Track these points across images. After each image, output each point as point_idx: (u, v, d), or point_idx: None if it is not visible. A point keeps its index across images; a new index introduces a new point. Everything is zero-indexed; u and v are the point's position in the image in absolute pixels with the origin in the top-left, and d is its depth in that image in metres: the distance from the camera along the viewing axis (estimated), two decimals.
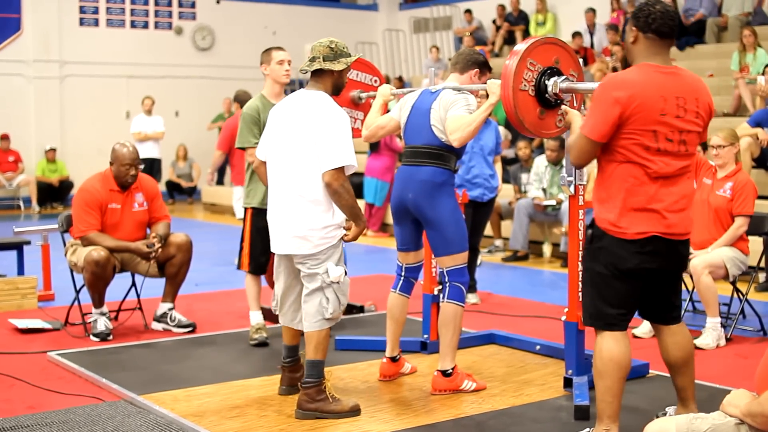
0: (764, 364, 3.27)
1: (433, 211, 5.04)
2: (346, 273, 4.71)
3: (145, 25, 18.53)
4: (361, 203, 12.39)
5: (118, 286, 6.81)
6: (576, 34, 15.28)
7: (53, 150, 16.74)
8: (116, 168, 6.52)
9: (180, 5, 18.88)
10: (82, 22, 17.78)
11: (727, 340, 6.26)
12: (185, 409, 4.78)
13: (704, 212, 6.46)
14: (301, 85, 18.80)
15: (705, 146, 7.16)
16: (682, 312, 6.50)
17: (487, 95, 4.95)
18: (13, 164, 16.36)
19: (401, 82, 17.57)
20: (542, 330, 6.57)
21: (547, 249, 10.45)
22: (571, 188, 4.93)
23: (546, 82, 4.61)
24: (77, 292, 6.67)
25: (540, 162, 10.25)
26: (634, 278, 3.95)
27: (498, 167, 8.00)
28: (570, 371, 5.02)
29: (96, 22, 17.95)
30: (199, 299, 7.90)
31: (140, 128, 15.53)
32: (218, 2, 19.21)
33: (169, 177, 17.72)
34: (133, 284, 6.86)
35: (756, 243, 7.01)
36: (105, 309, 6.51)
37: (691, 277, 6.33)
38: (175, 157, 17.85)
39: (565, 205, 9.69)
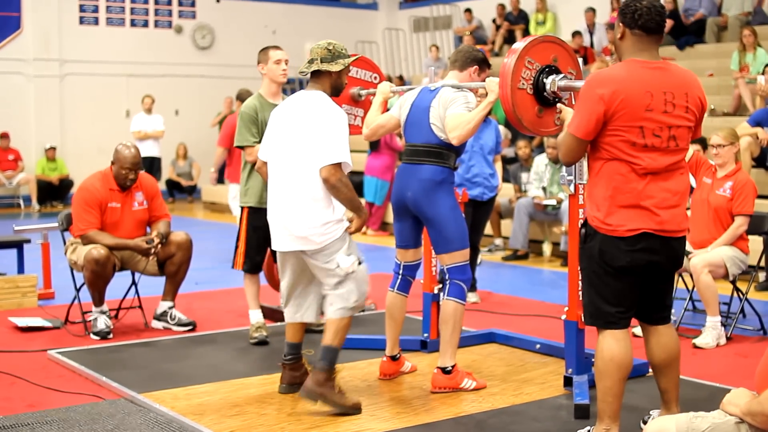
0: (764, 363, 3.27)
1: (432, 209, 5.04)
2: (360, 262, 4.75)
3: (145, 24, 18.52)
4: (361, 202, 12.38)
5: (118, 285, 6.81)
6: (576, 34, 15.28)
7: (53, 148, 16.74)
8: (116, 169, 6.52)
9: (180, 4, 18.88)
10: (82, 21, 17.77)
11: (727, 339, 6.27)
12: (185, 408, 4.78)
13: (704, 211, 6.47)
14: (301, 84, 18.84)
15: (705, 145, 7.16)
16: (682, 312, 6.56)
17: (486, 93, 4.96)
18: (13, 163, 16.35)
19: (402, 81, 17.56)
20: (542, 329, 6.57)
21: (547, 248, 10.45)
22: (571, 187, 4.93)
23: (544, 80, 4.62)
24: (77, 290, 6.67)
25: (540, 161, 10.26)
26: (629, 275, 3.93)
27: (498, 166, 8.00)
28: (570, 370, 5.02)
29: (96, 21, 17.94)
30: (199, 298, 7.91)
31: (140, 127, 15.52)
32: (218, 1, 19.20)
33: (169, 176, 17.71)
34: (133, 283, 6.86)
35: (756, 242, 7.01)
36: (105, 307, 6.51)
37: (691, 276, 6.33)
38: (175, 155, 17.85)
39: (565, 204, 9.69)
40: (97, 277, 6.32)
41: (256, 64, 6.31)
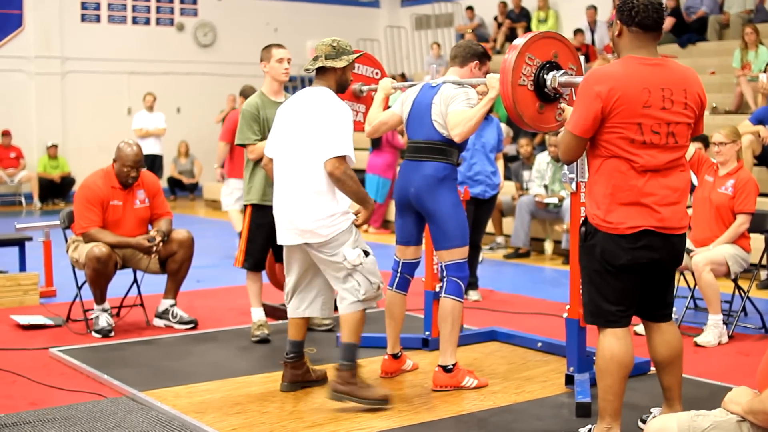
0: (766, 361, 3.27)
1: (434, 205, 5.04)
2: (367, 254, 4.76)
3: (147, 22, 18.51)
4: None
5: (119, 283, 6.81)
6: (577, 31, 15.27)
7: (55, 146, 16.75)
8: (118, 167, 6.52)
9: (182, 2, 18.87)
10: (83, 18, 17.77)
11: (729, 337, 6.26)
12: (187, 406, 4.78)
13: (706, 210, 6.46)
14: (303, 81, 18.87)
15: (707, 143, 7.16)
16: (683, 310, 6.56)
17: (488, 90, 4.97)
18: (15, 160, 16.36)
19: (404, 79, 17.52)
20: (544, 327, 6.57)
21: (548, 246, 10.45)
22: (573, 185, 4.93)
23: (545, 76, 4.62)
24: (79, 288, 6.67)
25: (542, 159, 10.26)
26: (630, 273, 3.93)
27: (500, 164, 8.00)
28: (571, 368, 5.02)
29: (97, 19, 17.93)
30: (201, 296, 7.91)
31: (142, 125, 15.52)
32: None
33: (171, 173, 17.71)
34: (135, 281, 6.86)
35: (758, 240, 7.01)
36: (107, 305, 6.51)
37: (693, 274, 6.32)
38: (176, 153, 17.85)
39: (566, 202, 9.69)
40: (99, 275, 6.32)
41: (259, 62, 6.32)
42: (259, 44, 6.78)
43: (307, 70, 4.93)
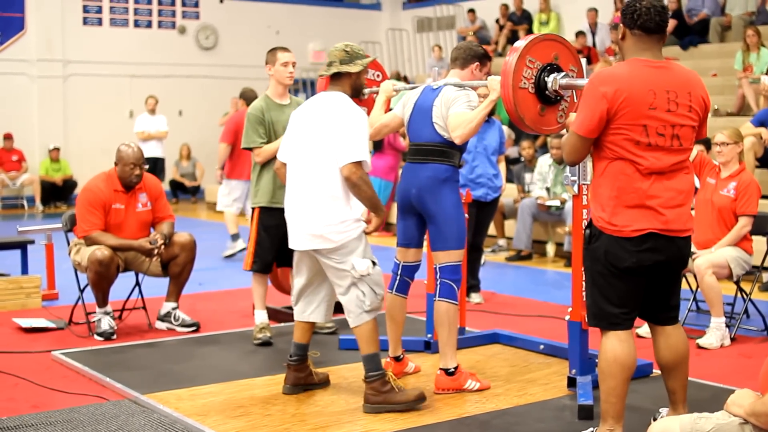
0: None
1: (436, 205, 5.05)
2: (375, 264, 4.76)
3: (149, 25, 18.54)
4: None
5: (121, 286, 6.81)
6: (579, 34, 15.28)
7: (57, 149, 16.76)
8: (121, 168, 6.53)
9: (183, 4, 18.89)
10: (85, 22, 17.79)
11: (731, 339, 6.26)
12: (189, 409, 4.78)
13: (708, 212, 6.46)
14: (305, 84, 18.86)
15: (709, 146, 7.15)
16: (686, 313, 6.55)
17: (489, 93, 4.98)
18: (17, 163, 16.37)
19: (405, 81, 17.56)
20: (546, 329, 6.57)
21: (550, 248, 10.44)
22: (575, 187, 4.93)
23: (546, 78, 4.62)
24: (81, 291, 6.67)
25: (544, 161, 10.25)
26: (634, 276, 3.93)
27: (502, 167, 8.00)
28: (574, 371, 5.01)
29: (99, 22, 17.96)
30: (203, 298, 7.91)
31: (144, 127, 15.54)
32: (221, 1, 19.22)
33: (173, 176, 17.73)
34: (137, 283, 6.87)
35: (760, 243, 7.01)
36: (109, 308, 6.52)
37: (695, 276, 6.32)
38: (178, 156, 17.86)
39: (568, 205, 9.70)
40: (101, 278, 6.32)
41: (264, 65, 6.34)
42: (260, 47, 6.80)
43: (322, 76, 4.93)
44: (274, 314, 6.84)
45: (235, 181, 10.34)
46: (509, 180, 10.60)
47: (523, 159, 11.19)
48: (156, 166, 15.14)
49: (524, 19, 17.29)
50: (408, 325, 5.56)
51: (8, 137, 16.29)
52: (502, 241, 10.90)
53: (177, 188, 17.84)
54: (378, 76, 6.15)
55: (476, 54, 5.28)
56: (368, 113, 5.81)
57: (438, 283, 5.10)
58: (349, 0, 21.74)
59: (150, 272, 6.67)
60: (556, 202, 9.97)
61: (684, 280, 6.67)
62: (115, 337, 6.44)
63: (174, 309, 6.73)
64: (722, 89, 12.40)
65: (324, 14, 20.22)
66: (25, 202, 16.57)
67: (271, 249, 6.23)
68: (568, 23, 16.96)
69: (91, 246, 6.39)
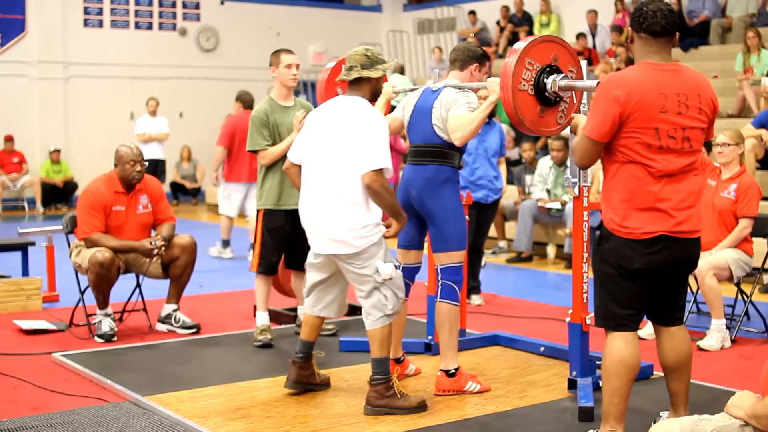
0: None
1: (436, 206, 5.05)
2: (397, 267, 4.77)
3: (150, 26, 18.54)
4: None
5: (122, 288, 6.82)
6: (580, 35, 15.28)
7: (57, 151, 16.76)
8: (121, 168, 6.53)
9: (184, 6, 18.90)
10: (86, 23, 17.79)
11: (732, 341, 6.26)
12: (190, 410, 4.78)
13: (709, 214, 6.46)
14: (305, 86, 18.85)
15: (709, 147, 7.16)
16: (686, 314, 6.55)
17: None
18: (18, 165, 16.37)
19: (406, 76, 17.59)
20: (546, 331, 6.57)
21: (551, 250, 10.44)
22: (575, 189, 4.93)
23: (545, 80, 4.63)
24: (82, 293, 6.68)
25: (544, 163, 10.25)
26: (643, 278, 3.95)
27: (502, 169, 8.01)
28: (574, 373, 5.01)
29: (100, 23, 17.96)
30: (204, 300, 7.91)
31: (145, 129, 15.54)
32: (222, 3, 19.21)
33: (174, 178, 17.73)
34: (138, 285, 6.87)
35: (760, 244, 7.00)
36: (109, 310, 6.52)
37: (696, 278, 6.32)
38: (179, 158, 17.86)
39: (569, 207, 9.69)
40: (102, 280, 6.33)
41: (266, 66, 6.35)
42: (261, 49, 6.83)
43: (342, 80, 4.87)
44: (275, 316, 6.84)
45: (233, 184, 10.38)
46: (510, 182, 10.61)
47: (523, 161, 11.19)
48: (157, 167, 15.13)
49: (525, 20, 17.30)
50: (408, 327, 5.55)
51: (9, 139, 16.29)
52: (502, 243, 10.90)
53: (178, 190, 17.84)
54: None
55: (475, 55, 5.28)
56: None
57: (439, 284, 5.10)
58: (350, 1, 21.75)
59: (150, 274, 6.67)
60: (557, 204, 9.97)
61: None
62: (115, 338, 6.44)
63: (174, 311, 6.73)
64: (723, 91, 12.39)
65: (325, 16, 20.22)
66: (25, 204, 16.57)
67: (275, 251, 6.25)
68: (568, 25, 16.97)
69: (92, 248, 6.39)
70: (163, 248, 6.48)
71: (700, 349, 6.09)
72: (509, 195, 10.48)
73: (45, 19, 17.14)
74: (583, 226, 4.94)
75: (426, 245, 5.34)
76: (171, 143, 16.31)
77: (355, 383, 5.26)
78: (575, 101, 4.85)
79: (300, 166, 4.94)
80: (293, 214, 6.12)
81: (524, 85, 4.59)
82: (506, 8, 17.63)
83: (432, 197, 5.06)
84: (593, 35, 15.78)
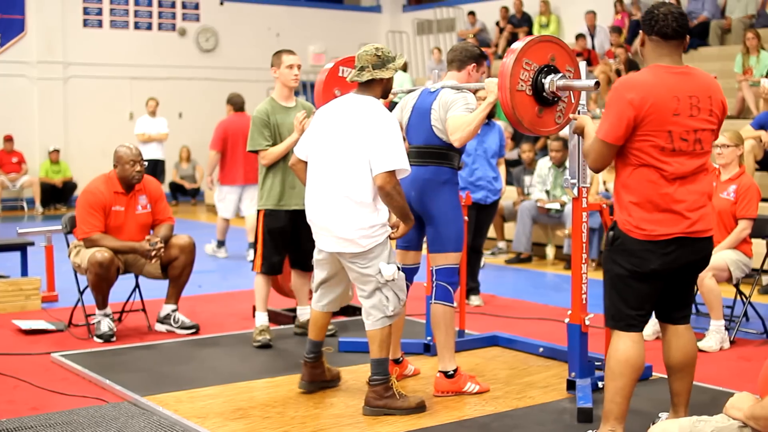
0: (767, 366, 3.27)
1: (435, 206, 5.06)
2: (399, 269, 4.77)
3: (149, 27, 18.54)
4: None
5: (121, 288, 6.81)
6: (579, 36, 15.28)
7: (57, 151, 16.76)
8: (121, 168, 6.53)
9: (183, 6, 18.90)
10: (85, 24, 17.79)
11: (731, 342, 6.26)
12: (189, 411, 4.78)
13: None
14: (304, 87, 18.84)
15: None
16: None
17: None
18: (17, 165, 16.37)
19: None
20: (545, 332, 6.57)
21: (550, 251, 10.45)
22: (574, 190, 4.93)
23: (543, 80, 4.63)
24: (81, 293, 6.68)
25: (543, 164, 10.25)
26: (657, 279, 3.98)
27: (501, 169, 8.01)
28: (573, 374, 5.01)
29: (99, 24, 17.96)
30: (203, 301, 7.91)
31: (144, 130, 15.54)
32: (222, 3, 19.22)
33: (173, 179, 17.73)
34: (137, 286, 6.87)
35: (759, 246, 7.01)
36: (108, 310, 6.52)
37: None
38: (178, 158, 17.86)
39: (568, 207, 9.70)
40: (101, 280, 6.32)
41: (264, 67, 6.36)
42: (261, 49, 6.85)
43: (353, 81, 4.82)
44: (274, 317, 6.84)
45: (227, 187, 10.42)
46: (509, 182, 10.60)
47: (522, 161, 11.19)
48: (156, 168, 15.12)
49: (524, 21, 17.30)
50: (407, 328, 5.55)
51: (8, 139, 16.29)
52: (501, 244, 10.90)
53: (177, 190, 17.84)
54: None
55: (472, 55, 5.28)
56: None
57: (434, 285, 5.10)
58: (350, 2, 21.75)
59: (149, 274, 6.67)
60: (556, 205, 9.97)
61: None
62: (114, 339, 6.44)
63: (173, 311, 6.73)
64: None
65: (324, 16, 20.23)
66: (24, 204, 16.56)
67: (277, 251, 6.25)
68: (567, 26, 16.98)
69: (91, 248, 6.39)
70: (162, 250, 6.48)
71: (699, 350, 6.07)
72: (508, 196, 10.48)
73: (44, 19, 17.14)
74: (582, 227, 4.94)
75: (424, 246, 5.34)
76: (170, 143, 16.31)
77: (354, 383, 5.26)
78: (573, 101, 4.86)
79: (306, 163, 4.93)
80: (294, 215, 6.14)
81: (522, 85, 4.60)
82: (505, 9, 17.64)
83: (431, 198, 5.06)
84: (592, 36, 15.79)
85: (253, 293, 6.43)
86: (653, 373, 5.34)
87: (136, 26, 18.39)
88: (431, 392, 5.08)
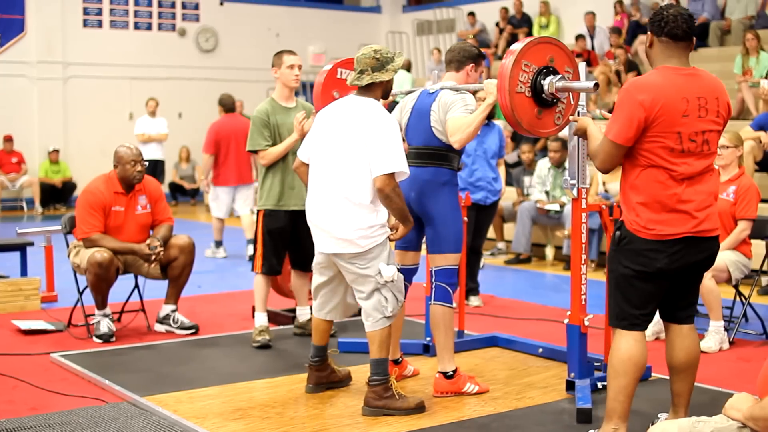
0: (766, 367, 3.27)
1: (434, 207, 5.05)
2: (399, 269, 4.77)
3: (149, 27, 18.54)
4: None
5: (121, 288, 6.81)
6: (579, 37, 15.28)
7: (56, 151, 16.76)
8: (121, 168, 6.53)
9: (183, 7, 18.91)
10: (85, 24, 17.80)
11: (730, 343, 6.26)
12: (188, 411, 4.78)
13: None
14: (304, 87, 18.84)
15: None
16: None
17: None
18: (17, 165, 16.37)
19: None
20: (545, 333, 6.57)
21: (549, 252, 10.45)
22: (574, 191, 4.93)
23: (542, 82, 4.63)
24: (80, 293, 6.68)
25: (543, 165, 10.25)
26: (663, 278, 4.00)
27: (501, 170, 8.01)
28: (572, 374, 5.01)
29: (99, 24, 17.97)
30: (202, 301, 7.91)
31: (144, 130, 15.54)
32: (221, 4, 19.23)
33: (172, 179, 17.73)
34: (136, 286, 6.87)
35: (759, 246, 7.01)
36: (108, 310, 6.52)
37: None
38: (178, 158, 17.87)
39: (567, 208, 9.69)
40: (100, 280, 6.32)
41: (264, 67, 6.36)
42: (260, 50, 6.85)
43: (353, 84, 4.79)
44: (274, 317, 6.84)
45: (221, 188, 10.44)
46: (508, 183, 10.59)
47: (522, 162, 11.19)
48: (156, 168, 15.12)
49: (524, 22, 17.31)
50: (406, 328, 5.55)
51: (8, 139, 16.29)
52: (501, 245, 10.90)
53: (176, 191, 17.84)
54: None
55: (470, 55, 5.28)
56: None
57: (433, 286, 5.10)
58: (349, 2, 21.75)
59: (149, 275, 6.67)
60: (556, 206, 9.97)
61: None
62: (114, 339, 6.44)
63: (173, 311, 6.73)
64: None
65: (324, 17, 20.23)
66: (24, 204, 16.56)
67: (276, 251, 6.25)
68: (567, 27, 16.98)
69: (91, 248, 6.39)
70: (161, 254, 6.47)
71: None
72: (508, 196, 10.48)
73: (44, 20, 17.14)
74: (582, 227, 4.94)
75: (424, 246, 5.34)
76: (170, 144, 16.30)
77: (353, 384, 5.26)
78: (572, 102, 4.86)
79: (308, 165, 4.94)
80: (294, 215, 6.14)
81: (521, 87, 4.60)
82: (505, 10, 17.64)
83: (431, 199, 5.06)
84: (592, 37, 15.79)
85: (253, 293, 6.43)
86: (653, 374, 5.34)
87: (136, 26, 18.40)
88: (430, 393, 5.08)
